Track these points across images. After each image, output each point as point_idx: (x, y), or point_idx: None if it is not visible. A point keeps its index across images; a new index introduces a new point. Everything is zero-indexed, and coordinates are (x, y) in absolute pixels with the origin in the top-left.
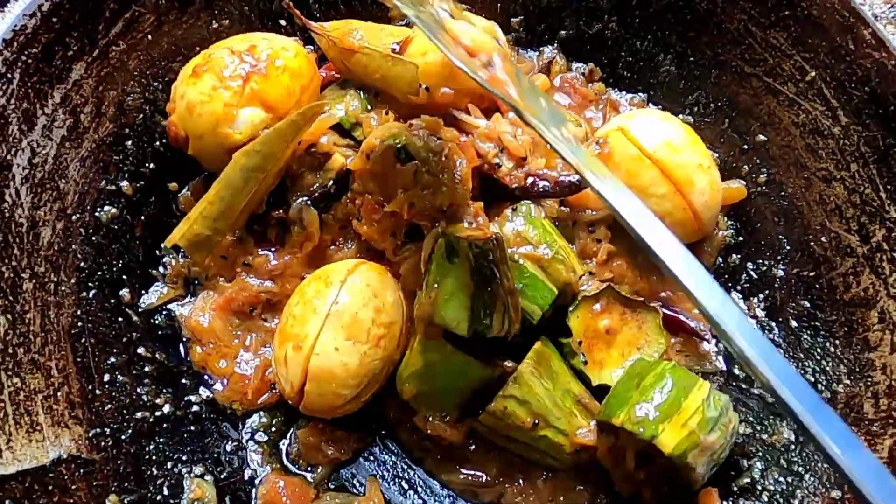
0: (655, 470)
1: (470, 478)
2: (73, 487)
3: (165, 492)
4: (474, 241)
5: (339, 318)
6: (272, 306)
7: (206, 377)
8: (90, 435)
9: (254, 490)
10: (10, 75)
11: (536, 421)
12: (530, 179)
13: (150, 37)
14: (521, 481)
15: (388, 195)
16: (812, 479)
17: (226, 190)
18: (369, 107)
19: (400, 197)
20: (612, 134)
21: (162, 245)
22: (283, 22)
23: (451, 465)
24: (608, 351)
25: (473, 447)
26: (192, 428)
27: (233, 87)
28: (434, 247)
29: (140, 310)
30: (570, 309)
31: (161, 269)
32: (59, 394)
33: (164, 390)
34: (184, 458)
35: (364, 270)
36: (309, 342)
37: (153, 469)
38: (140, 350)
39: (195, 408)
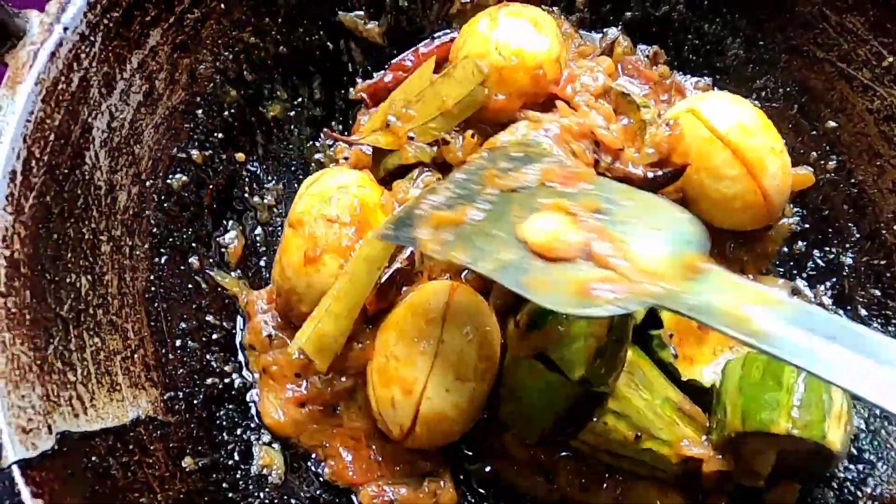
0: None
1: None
2: (152, 448)
3: (236, 457)
4: None
5: (446, 358)
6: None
7: None
8: (165, 398)
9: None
10: (92, 38)
11: (639, 434)
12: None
13: (222, 4)
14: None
15: None
16: (885, 467)
17: (351, 284)
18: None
19: None
20: (683, 115)
21: (226, 227)
22: None
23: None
24: (699, 347)
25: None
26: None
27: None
28: None
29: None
30: None
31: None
32: (135, 356)
33: (232, 358)
34: (252, 425)
35: (461, 298)
36: (419, 387)
37: (224, 434)
38: (209, 318)
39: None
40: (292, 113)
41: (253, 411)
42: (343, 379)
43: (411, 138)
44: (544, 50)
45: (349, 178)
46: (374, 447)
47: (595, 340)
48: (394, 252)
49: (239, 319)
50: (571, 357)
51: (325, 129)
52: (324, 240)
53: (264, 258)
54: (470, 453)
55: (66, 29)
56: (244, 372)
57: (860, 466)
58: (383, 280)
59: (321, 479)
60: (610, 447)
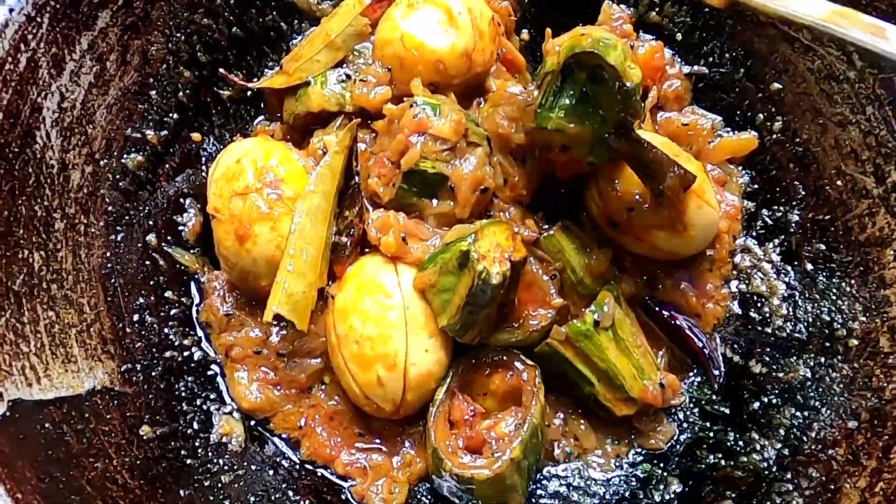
0: None
1: None
2: (108, 416)
3: (195, 426)
4: (485, 273)
5: (415, 321)
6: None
7: None
8: (122, 370)
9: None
10: (39, 19)
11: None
12: None
13: None
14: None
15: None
16: (828, 412)
17: (302, 238)
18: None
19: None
20: None
21: (184, 205)
22: None
23: None
24: None
25: None
26: (219, 370)
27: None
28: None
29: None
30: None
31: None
32: (91, 329)
33: (191, 332)
34: (212, 396)
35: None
36: (401, 358)
37: (183, 405)
38: (167, 294)
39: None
40: (248, 93)
41: (222, 388)
42: (312, 361)
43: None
44: (445, 45)
45: (243, 148)
46: (353, 424)
47: (456, 296)
48: (340, 206)
49: (196, 295)
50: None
51: (220, 70)
52: (246, 214)
53: None
54: None
55: (11, 10)
56: (203, 345)
57: (805, 413)
58: (335, 250)
59: (282, 442)
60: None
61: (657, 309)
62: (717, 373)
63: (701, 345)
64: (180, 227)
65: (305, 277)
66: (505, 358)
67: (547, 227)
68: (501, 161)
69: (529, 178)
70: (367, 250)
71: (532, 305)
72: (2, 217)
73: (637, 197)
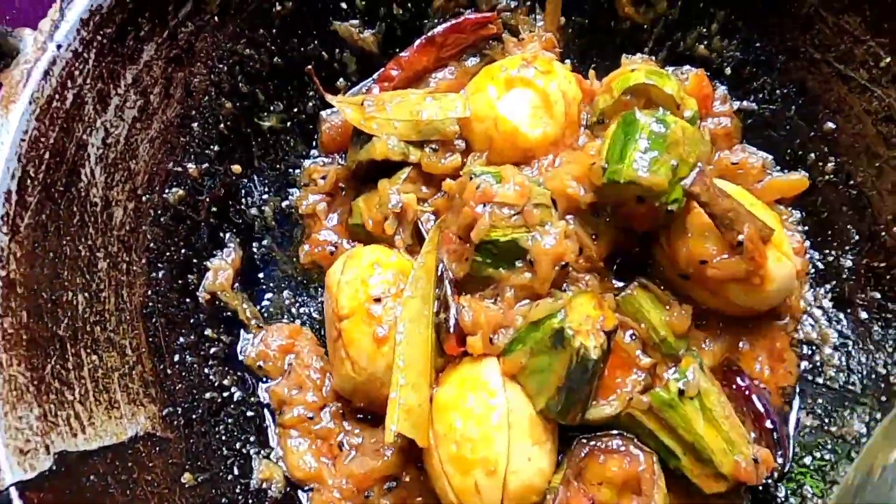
0: None
1: None
2: (151, 465)
3: (236, 471)
4: (583, 348)
5: (519, 426)
6: None
7: None
8: (164, 414)
9: None
10: (86, 55)
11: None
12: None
13: (216, 18)
14: None
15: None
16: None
17: (410, 347)
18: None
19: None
20: None
21: (224, 240)
22: (343, 5)
23: None
24: None
25: None
26: (256, 412)
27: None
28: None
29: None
30: None
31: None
32: (133, 372)
33: (231, 372)
34: (251, 439)
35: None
36: (503, 463)
37: (224, 449)
38: (207, 332)
39: (262, 395)
40: (288, 124)
41: (264, 432)
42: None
43: (374, 129)
44: (538, 135)
45: (373, 255)
46: None
47: (552, 378)
48: (438, 301)
49: (241, 333)
50: (536, 388)
51: (307, 68)
52: (385, 317)
53: (262, 271)
54: None
55: (59, 46)
56: (245, 385)
57: None
58: (442, 328)
59: None
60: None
61: (737, 379)
62: (780, 461)
63: (771, 427)
64: (220, 262)
65: (420, 389)
66: (620, 443)
67: (621, 285)
68: (577, 230)
69: (605, 243)
70: None
71: (620, 371)
72: (47, 259)
73: (712, 249)
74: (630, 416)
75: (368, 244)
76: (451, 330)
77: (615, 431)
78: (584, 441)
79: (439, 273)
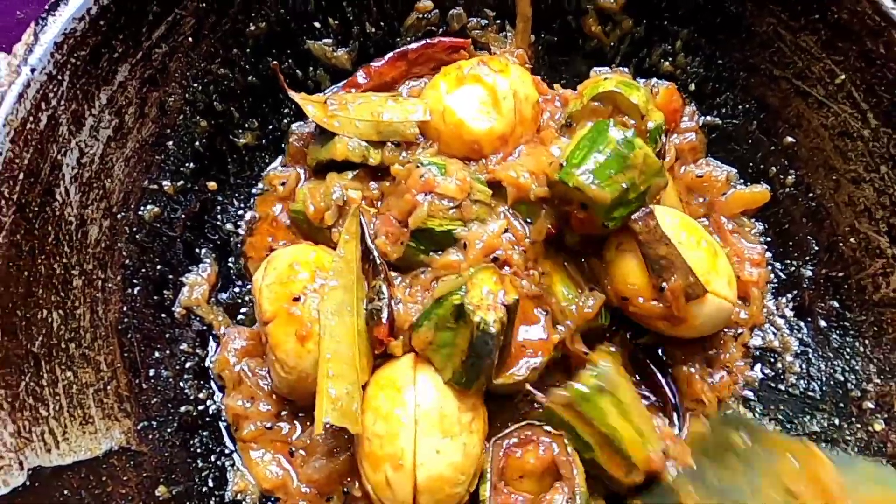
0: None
1: None
2: (125, 478)
3: (210, 483)
4: (482, 323)
5: (428, 420)
6: None
7: None
8: (139, 428)
9: None
10: (60, 77)
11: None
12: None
13: (190, 39)
14: None
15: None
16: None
17: (332, 339)
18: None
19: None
20: None
21: (199, 256)
22: (317, 24)
23: None
24: None
25: None
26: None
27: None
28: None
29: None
30: None
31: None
32: (108, 387)
33: (205, 385)
34: (226, 451)
35: (425, 364)
36: (409, 457)
37: (198, 461)
38: (182, 346)
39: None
40: (263, 141)
41: (226, 439)
42: (328, 462)
43: (336, 126)
44: (484, 128)
45: (290, 254)
46: None
47: (456, 352)
48: (369, 286)
49: (212, 345)
50: (441, 362)
51: (272, 63)
52: (307, 315)
53: (238, 286)
54: None
55: (33, 70)
56: (216, 397)
57: None
58: (374, 315)
59: None
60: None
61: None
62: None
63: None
64: (196, 278)
65: (346, 378)
66: (529, 433)
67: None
68: (513, 223)
69: (538, 230)
70: None
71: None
72: (22, 278)
73: (633, 287)
74: (547, 410)
75: (307, 235)
76: (385, 320)
77: (524, 423)
78: (499, 442)
79: (372, 259)
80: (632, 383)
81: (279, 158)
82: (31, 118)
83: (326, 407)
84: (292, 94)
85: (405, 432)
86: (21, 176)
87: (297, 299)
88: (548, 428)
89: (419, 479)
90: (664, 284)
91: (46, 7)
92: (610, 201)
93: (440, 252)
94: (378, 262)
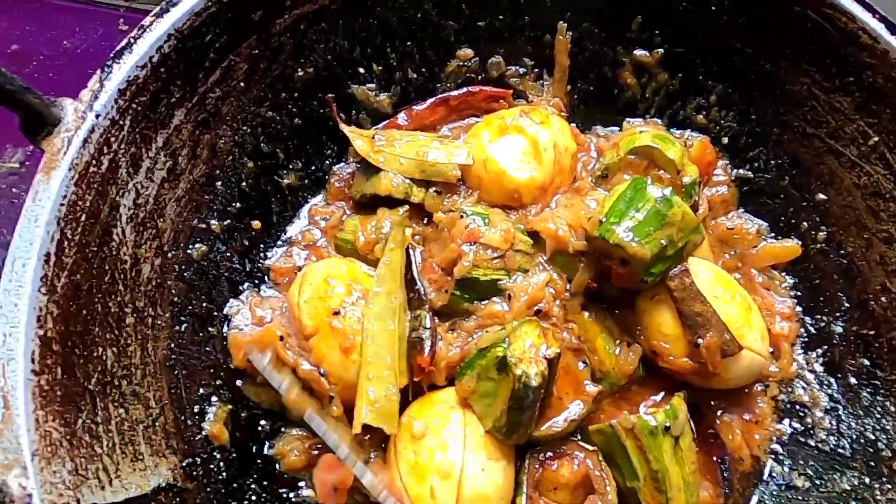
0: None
1: None
2: None
3: None
4: (524, 376)
5: (475, 439)
6: None
7: None
8: (184, 464)
9: None
10: (122, 122)
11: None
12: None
13: (242, 84)
14: None
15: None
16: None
17: (373, 343)
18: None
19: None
20: None
21: (241, 289)
22: (361, 69)
23: None
24: None
25: None
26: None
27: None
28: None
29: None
30: None
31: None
32: (157, 424)
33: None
34: (270, 490)
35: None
36: (457, 468)
37: (239, 500)
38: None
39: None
40: (306, 181)
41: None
42: None
43: (381, 162)
44: (524, 178)
45: (324, 268)
46: None
47: (499, 400)
48: (412, 313)
49: None
50: (482, 411)
51: (328, 97)
52: (348, 327)
53: None
54: None
55: (98, 115)
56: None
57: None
58: (416, 345)
59: None
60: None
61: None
62: None
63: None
64: (239, 310)
65: (385, 381)
66: (565, 448)
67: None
68: (554, 275)
69: (578, 283)
70: None
71: (567, 393)
72: (80, 317)
73: (665, 345)
74: (601, 432)
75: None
76: (427, 350)
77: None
78: (535, 455)
79: (417, 290)
80: (692, 435)
81: (320, 195)
82: (94, 161)
83: (365, 408)
84: (343, 127)
85: (454, 443)
86: (83, 217)
87: (336, 313)
88: (583, 444)
89: (464, 493)
90: (699, 340)
91: (112, 55)
92: (650, 258)
93: (484, 301)
94: (423, 292)
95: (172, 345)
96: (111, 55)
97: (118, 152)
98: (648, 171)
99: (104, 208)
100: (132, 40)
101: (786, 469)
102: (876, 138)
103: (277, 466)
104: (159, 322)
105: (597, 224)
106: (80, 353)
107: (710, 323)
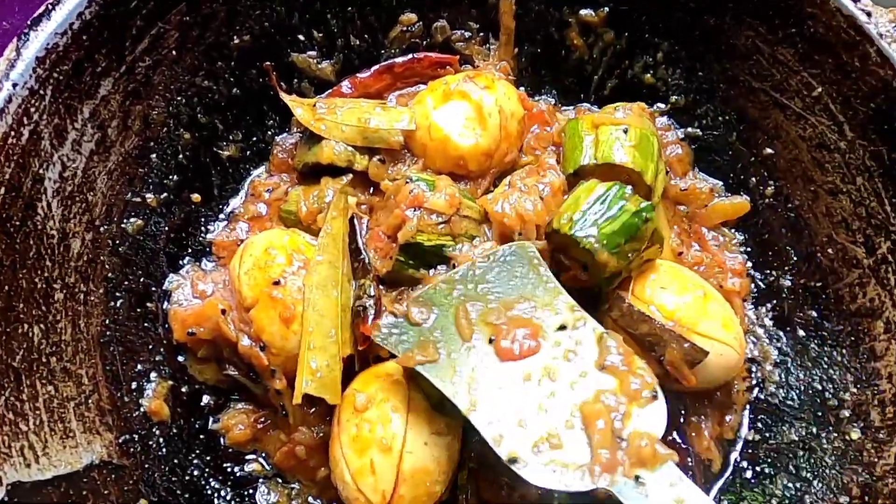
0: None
1: None
2: (106, 492)
3: (191, 497)
4: None
5: (418, 413)
6: None
7: None
8: (120, 441)
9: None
10: (42, 92)
11: None
12: None
13: (174, 52)
14: None
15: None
16: (820, 484)
17: (314, 312)
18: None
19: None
20: None
21: (181, 264)
22: (301, 37)
23: None
24: None
25: None
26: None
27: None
28: None
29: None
30: None
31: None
32: (90, 401)
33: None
34: (208, 463)
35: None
36: (398, 442)
37: (180, 474)
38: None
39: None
40: (247, 153)
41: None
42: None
43: (323, 130)
44: (468, 144)
45: (265, 239)
46: None
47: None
48: (356, 282)
49: None
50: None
51: (265, 64)
52: (289, 297)
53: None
54: None
55: (14, 85)
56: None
57: (797, 484)
58: (360, 314)
59: None
60: None
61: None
62: None
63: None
64: (180, 285)
65: (327, 350)
66: None
67: None
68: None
69: None
70: None
71: None
72: (3, 292)
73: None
74: None
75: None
76: (371, 319)
77: None
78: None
79: (362, 259)
80: None
81: (262, 167)
82: (12, 133)
83: (307, 378)
84: (283, 96)
85: (396, 419)
86: (2, 190)
87: (277, 283)
88: None
89: (404, 467)
90: (661, 358)
91: (29, 22)
92: (615, 267)
93: (430, 269)
94: (367, 261)
95: (107, 321)
96: (27, 23)
97: (39, 123)
98: (620, 181)
99: (26, 181)
100: (50, 6)
101: (735, 423)
102: (819, 89)
103: (222, 441)
104: (92, 298)
105: (568, 225)
106: (2, 329)
107: (663, 339)
